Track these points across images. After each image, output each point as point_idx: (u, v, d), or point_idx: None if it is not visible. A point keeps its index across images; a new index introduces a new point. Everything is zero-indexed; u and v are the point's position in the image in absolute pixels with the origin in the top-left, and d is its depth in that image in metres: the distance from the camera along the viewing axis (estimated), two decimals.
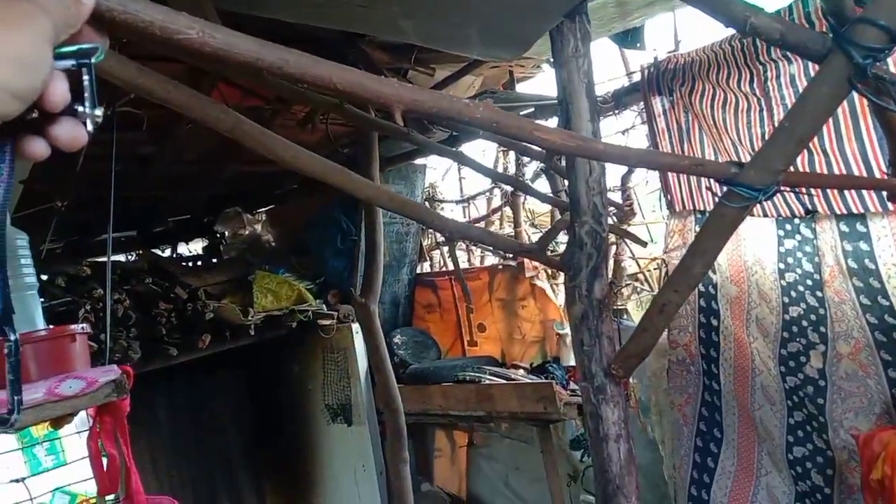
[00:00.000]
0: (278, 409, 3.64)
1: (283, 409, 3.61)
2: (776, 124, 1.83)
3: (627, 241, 2.25)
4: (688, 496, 1.98)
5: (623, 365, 1.25)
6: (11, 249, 1.37)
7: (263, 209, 3.91)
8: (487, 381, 2.69)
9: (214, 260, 3.76)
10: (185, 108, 0.97)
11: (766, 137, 1.86)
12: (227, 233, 3.83)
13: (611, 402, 1.28)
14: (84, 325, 1.37)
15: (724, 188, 0.99)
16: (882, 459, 1.46)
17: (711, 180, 1.06)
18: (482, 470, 3.27)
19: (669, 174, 2.07)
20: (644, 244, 1.82)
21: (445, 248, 3.61)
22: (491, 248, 2.99)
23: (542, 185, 2.82)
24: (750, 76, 1.84)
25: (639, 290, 3.01)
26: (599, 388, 1.28)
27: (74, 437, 3.62)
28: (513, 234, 3.29)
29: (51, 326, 1.45)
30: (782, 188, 0.97)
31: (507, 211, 3.55)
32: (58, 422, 1.44)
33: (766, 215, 1.93)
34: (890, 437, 1.48)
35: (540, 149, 1.16)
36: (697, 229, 2.06)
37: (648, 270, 2.96)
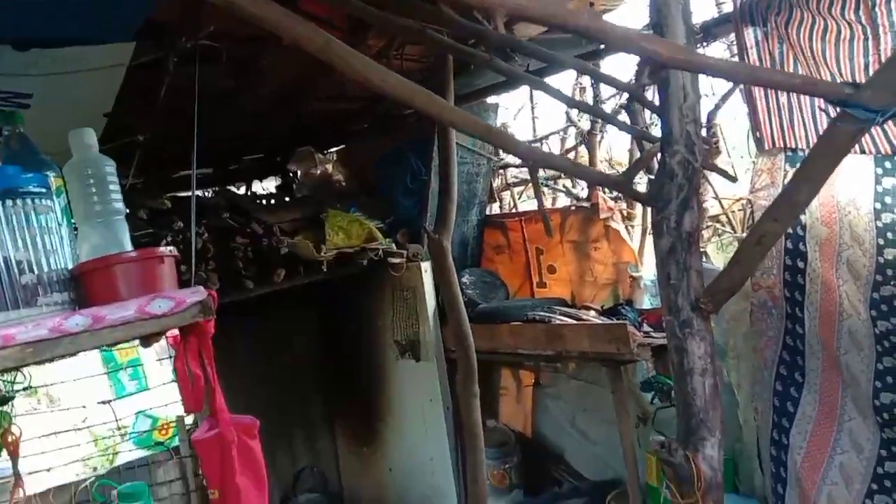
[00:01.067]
0: (348, 344, 3.73)
1: (353, 345, 3.69)
2: (883, 54, 1.71)
3: (710, 181, 2.17)
4: (770, 439, 1.94)
5: (713, 299, 1.21)
6: (100, 176, 1.40)
7: (334, 149, 3.93)
8: (558, 321, 2.68)
9: (287, 198, 3.82)
10: (277, 26, 0.96)
11: (871, 68, 1.74)
12: (299, 172, 3.88)
13: (697, 336, 1.25)
14: (171, 248, 1.41)
15: (838, 110, 0.92)
16: None
17: (823, 101, 0.99)
18: (548, 409, 3.28)
19: (760, 109, 1.96)
20: (734, 179, 1.74)
21: (516, 190, 3.57)
22: (573, 177, 2.90)
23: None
24: (855, 3, 1.71)
25: (720, 232, 2.91)
26: (685, 322, 1.25)
27: (156, 365, 3.80)
28: None
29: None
30: None
31: (582, 151, 3.46)
32: (147, 340, 1.49)
33: (863, 152, 1.82)
34: None
35: (624, 81, 1.12)
36: (787, 168, 1.96)
37: (732, 212, 2.86)
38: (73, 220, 1.39)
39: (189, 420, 2.94)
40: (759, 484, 2.13)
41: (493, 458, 3.25)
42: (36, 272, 1.24)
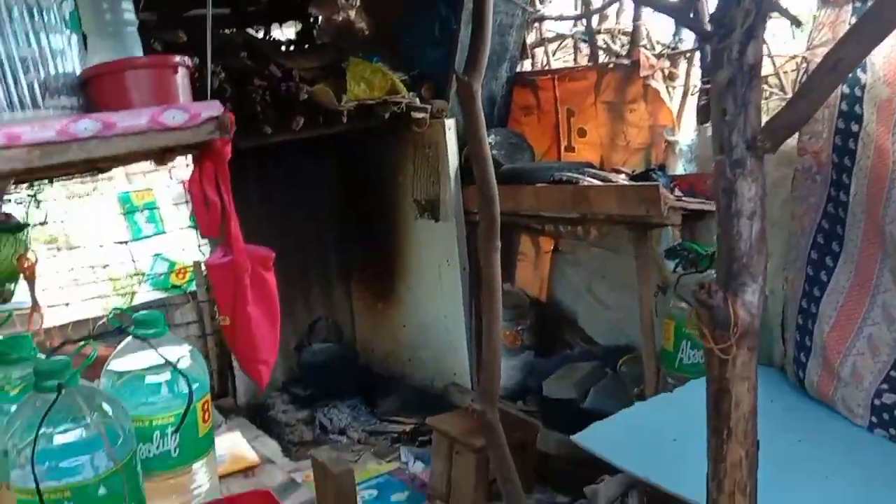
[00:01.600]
0: (367, 200, 3.68)
1: (372, 201, 3.64)
2: None
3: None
4: (798, 307, 1.89)
5: (771, 136, 1.11)
6: None
7: None
8: (585, 183, 2.58)
9: (307, 45, 3.64)
10: None
11: None
12: (320, 17, 3.68)
13: (749, 178, 1.15)
14: (186, 57, 1.30)
15: None
16: None
17: None
18: (565, 275, 3.26)
19: None
20: (799, 23, 1.59)
21: (550, 47, 3.36)
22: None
23: None
24: None
25: (768, 94, 2.74)
26: (738, 161, 1.15)
27: (172, 209, 3.81)
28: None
29: None
30: None
31: None
32: (161, 157, 1.41)
33: None
34: None
35: None
36: (853, 21, 1.79)
37: (784, 72, 2.68)
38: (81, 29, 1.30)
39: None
40: (779, 355, 2.11)
41: (507, 319, 3.25)
42: (42, 72, 1.16)
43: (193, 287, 3.78)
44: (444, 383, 3.50)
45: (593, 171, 2.68)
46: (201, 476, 1.40)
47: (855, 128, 1.79)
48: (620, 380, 2.65)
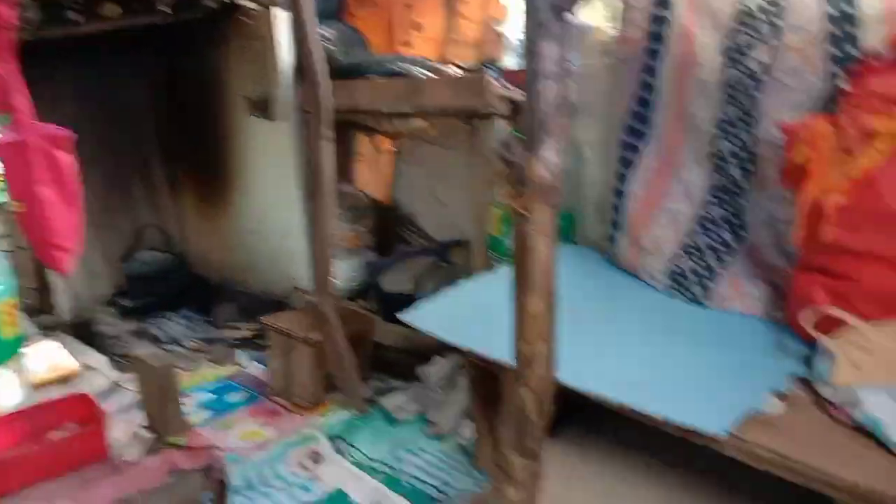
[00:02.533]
0: (195, 98, 3.44)
1: (200, 99, 3.42)
2: None
3: None
4: (614, 189, 2.01)
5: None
6: None
7: None
8: (419, 76, 2.56)
9: None
10: None
11: None
12: None
13: (551, 39, 1.18)
14: None
15: None
16: (805, 143, 1.46)
17: None
18: (406, 176, 3.26)
19: None
20: None
21: None
22: None
23: None
24: None
25: None
26: (541, 23, 1.18)
27: None
28: None
29: None
30: None
31: None
32: None
33: None
34: (817, 122, 1.47)
35: None
36: None
37: None
38: None
39: None
40: (598, 235, 2.24)
41: (347, 220, 3.24)
42: None
43: (3, 199, 3.43)
44: (284, 288, 3.45)
45: (428, 63, 2.66)
46: (9, 380, 1.30)
47: (666, 13, 1.87)
48: (455, 271, 2.73)
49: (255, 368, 3.07)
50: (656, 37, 1.87)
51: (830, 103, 1.55)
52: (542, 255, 1.24)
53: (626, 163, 1.99)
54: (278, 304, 3.34)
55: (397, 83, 2.63)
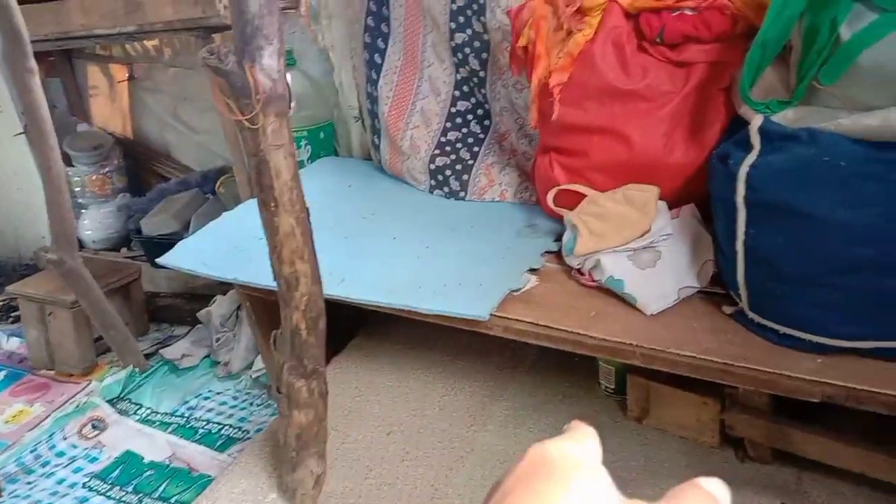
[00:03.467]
0: None
1: None
2: None
3: None
4: (366, 94, 1.95)
5: None
6: None
7: None
8: None
9: None
10: None
11: None
12: None
13: None
14: None
15: None
16: (528, 26, 1.50)
17: None
18: (147, 105, 2.96)
19: None
20: None
21: None
22: None
23: None
24: None
25: None
26: None
27: None
28: None
29: None
30: None
31: None
32: None
33: None
34: (536, 4, 1.50)
35: None
36: None
37: None
38: None
39: None
40: (360, 143, 2.20)
41: (90, 163, 2.91)
42: None
43: None
44: (31, 251, 3.06)
45: None
46: None
47: None
48: (221, 202, 2.57)
49: (11, 342, 2.74)
50: None
51: None
52: (281, 169, 1.17)
53: (373, 65, 1.94)
54: (30, 269, 2.97)
55: (113, 0, 2.33)
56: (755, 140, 1.15)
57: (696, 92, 1.38)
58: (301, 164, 2.17)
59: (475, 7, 1.70)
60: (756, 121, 1.16)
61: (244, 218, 1.90)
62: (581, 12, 1.40)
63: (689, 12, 1.36)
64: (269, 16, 1.10)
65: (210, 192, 2.71)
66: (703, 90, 1.39)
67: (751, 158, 1.15)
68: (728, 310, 1.28)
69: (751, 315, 1.21)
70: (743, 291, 1.21)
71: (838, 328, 1.10)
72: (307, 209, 1.25)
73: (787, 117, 1.17)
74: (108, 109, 3.07)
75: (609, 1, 1.39)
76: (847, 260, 1.06)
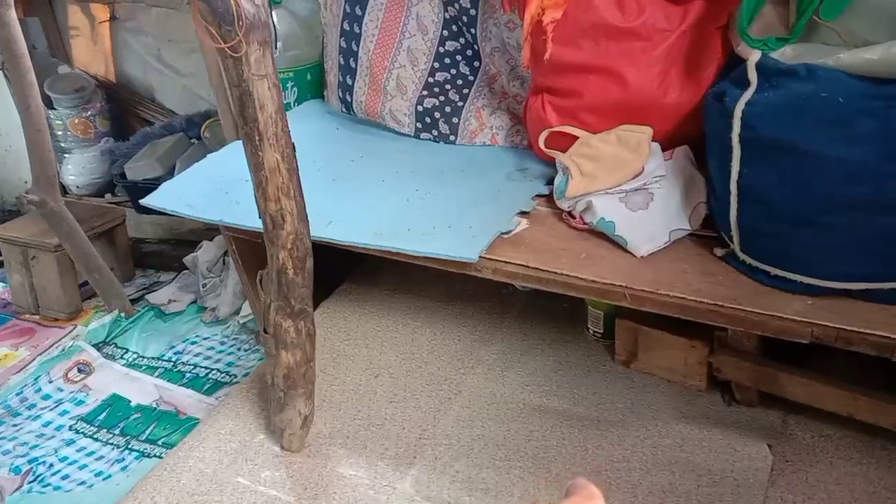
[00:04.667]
0: None
1: None
2: None
3: None
4: (340, 31, 1.89)
5: None
6: None
7: None
8: None
9: None
10: None
11: None
12: None
13: None
14: None
15: None
16: None
17: None
18: (130, 46, 2.88)
19: None
20: None
21: None
22: None
23: None
24: None
25: None
26: None
27: None
28: None
29: None
30: None
31: None
32: None
33: None
34: None
35: None
36: None
37: None
38: None
39: None
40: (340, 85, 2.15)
41: (71, 106, 2.83)
42: None
43: None
44: (15, 196, 3.01)
45: None
46: None
47: None
48: (206, 146, 2.52)
49: None
50: None
51: None
52: (265, 100, 1.14)
53: (356, 2, 1.87)
54: (13, 214, 2.93)
55: None
56: (752, 76, 1.12)
57: (692, 30, 1.35)
58: (288, 107, 2.12)
59: None
60: (753, 57, 1.13)
61: (229, 159, 1.86)
62: None
63: None
64: None
65: (195, 136, 2.65)
66: (701, 29, 1.35)
67: (747, 95, 1.12)
68: (719, 252, 1.27)
69: (742, 257, 1.20)
70: (735, 233, 1.20)
71: (830, 269, 1.10)
72: (293, 145, 1.22)
73: (785, 54, 1.14)
74: (90, 51, 2.98)
75: None
76: (842, 198, 1.05)
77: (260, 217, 1.28)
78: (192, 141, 2.65)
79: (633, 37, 1.36)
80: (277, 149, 1.19)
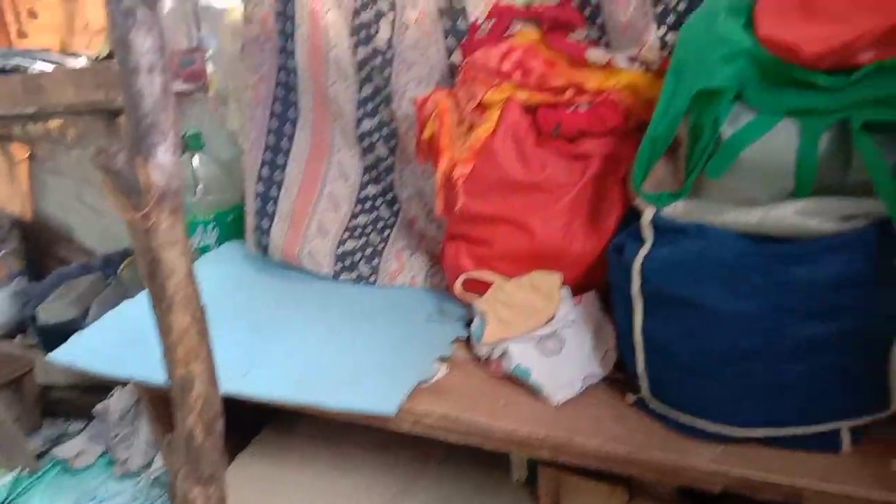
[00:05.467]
0: None
1: None
2: None
3: None
4: (257, 177, 1.92)
5: None
6: None
7: None
8: (37, 70, 2.22)
9: None
10: None
11: None
12: None
13: (143, 28, 1.05)
14: None
15: None
16: (433, 118, 1.53)
17: None
18: (49, 186, 2.85)
19: None
20: None
21: None
22: None
23: None
24: None
25: None
26: (128, 11, 1.04)
27: None
28: None
29: None
30: None
31: None
32: None
33: None
34: (440, 97, 1.54)
35: None
36: None
37: None
38: None
39: None
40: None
41: None
42: None
43: None
44: None
45: (48, 56, 2.31)
46: None
47: None
48: (124, 286, 2.46)
49: None
50: (285, 16, 1.81)
51: (451, 77, 1.64)
52: (174, 267, 1.13)
53: (278, 150, 1.93)
54: None
55: (12, 81, 2.26)
56: (647, 233, 1.19)
57: (592, 183, 1.43)
58: (206, 249, 2.12)
59: (382, 96, 1.72)
60: (647, 214, 1.20)
61: (143, 307, 1.82)
62: (481, 107, 1.44)
63: (583, 108, 1.42)
64: (164, 111, 1.07)
65: (112, 273, 2.59)
66: (600, 182, 1.43)
67: (644, 250, 1.18)
68: (631, 398, 1.29)
69: (652, 404, 1.23)
70: (643, 380, 1.23)
71: (733, 416, 1.13)
72: (203, 307, 1.20)
73: (677, 209, 1.21)
74: (7, 189, 2.93)
75: (508, 97, 1.43)
76: (737, 349, 1.09)
77: (166, 381, 1.24)
78: (110, 281, 2.59)
79: (538, 191, 1.43)
80: (188, 311, 1.17)
